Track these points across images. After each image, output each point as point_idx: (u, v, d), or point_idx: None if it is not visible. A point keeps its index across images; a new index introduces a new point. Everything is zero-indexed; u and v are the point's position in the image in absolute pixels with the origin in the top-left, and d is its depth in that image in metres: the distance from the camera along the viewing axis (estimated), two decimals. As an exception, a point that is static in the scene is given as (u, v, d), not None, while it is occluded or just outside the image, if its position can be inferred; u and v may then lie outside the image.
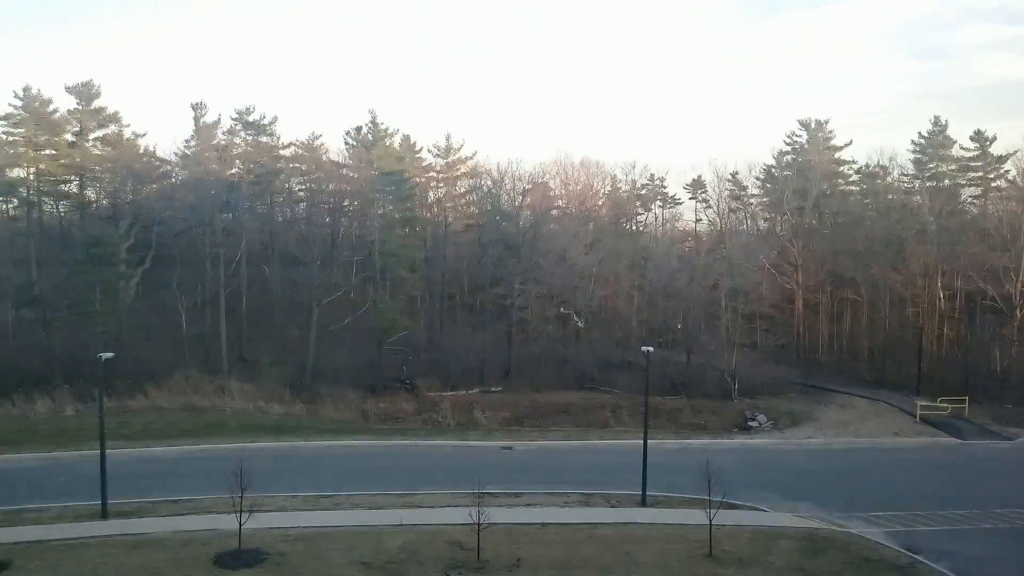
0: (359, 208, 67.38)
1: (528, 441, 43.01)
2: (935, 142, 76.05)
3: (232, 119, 70.34)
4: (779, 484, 34.59)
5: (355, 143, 72.92)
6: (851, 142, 78.24)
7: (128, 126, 68.91)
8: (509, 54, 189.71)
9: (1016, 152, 71.00)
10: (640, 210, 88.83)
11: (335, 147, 76.62)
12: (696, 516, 27.80)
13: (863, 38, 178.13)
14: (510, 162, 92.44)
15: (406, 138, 77.84)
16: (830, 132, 78.02)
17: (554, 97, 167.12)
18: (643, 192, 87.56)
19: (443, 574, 24.31)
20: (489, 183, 74.92)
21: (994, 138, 73.94)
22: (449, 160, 77.80)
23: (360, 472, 35.52)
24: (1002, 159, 73.74)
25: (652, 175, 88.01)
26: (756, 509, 31.32)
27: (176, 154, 72.59)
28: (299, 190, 78.16)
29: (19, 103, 64.68)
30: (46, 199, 71.23)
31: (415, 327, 62.64)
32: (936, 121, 76.08)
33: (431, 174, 79.61)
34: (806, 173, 72.20)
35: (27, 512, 29.45)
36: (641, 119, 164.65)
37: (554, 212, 76.15)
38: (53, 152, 66.21)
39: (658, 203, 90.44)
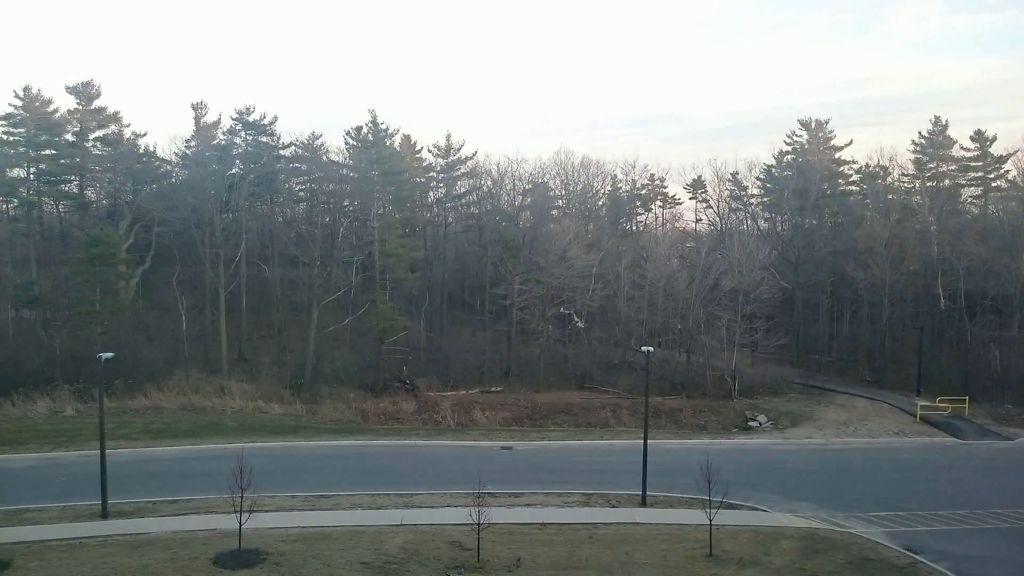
0: (359, 208, 67.33)
1: (528, 441, 42.96)
2: (935, 142, 76.09)
3: (232, 119, 70.67)
4: (779, 484, 34.56)
5: (355, 143, 72.92)
6: (851, 142, 78.47)
7: (128, 126, 69.45)
8: (509, 54, 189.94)
9: (1016, 152, 71.23)
10: (640, 210, 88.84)
11: (335, 147, 76.69)
12: (696, 516, 27.84)
13: (862, 37, 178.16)
14: (510, 162, 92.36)
15: (406, 138, 78.02)
16: (830, 132, 78.04)
17: (554, 97, 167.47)
18: (643, 192, 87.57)
19: (443, 574, 24.28)
20: (489, 183, 75.02)
21: (994, 138, 74.15)
22: (449, 160, 77.77)
23: (360, 472, 35.49)
24: (1002, 159, 73.86)
25: (652, 175, 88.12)
26: (756, 509, 31.30)
27: (176, 154, 72.77)
28: (299, 190, 78.18)
29: (19, 103, 64.86)
30: (46, 199, 71.34)
31: (415, 327, 62.63)
32: (936, 121, 76.16)
33: (431, 174, 79.66)
34: (806, 173, 72.16)
35: (27, 512, 29.46)
36: (642, 119, 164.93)
37: (554, 212, 76.16)
38: (53, 152, 66.31)
39: (658, 203, 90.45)
